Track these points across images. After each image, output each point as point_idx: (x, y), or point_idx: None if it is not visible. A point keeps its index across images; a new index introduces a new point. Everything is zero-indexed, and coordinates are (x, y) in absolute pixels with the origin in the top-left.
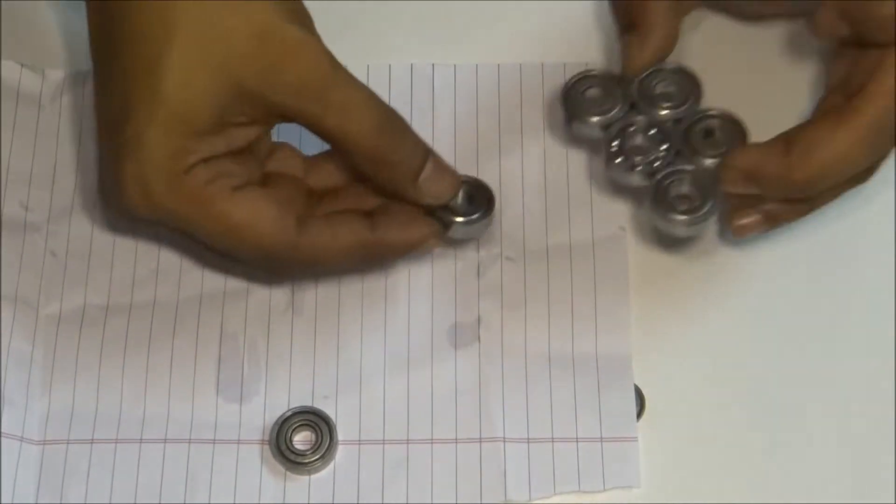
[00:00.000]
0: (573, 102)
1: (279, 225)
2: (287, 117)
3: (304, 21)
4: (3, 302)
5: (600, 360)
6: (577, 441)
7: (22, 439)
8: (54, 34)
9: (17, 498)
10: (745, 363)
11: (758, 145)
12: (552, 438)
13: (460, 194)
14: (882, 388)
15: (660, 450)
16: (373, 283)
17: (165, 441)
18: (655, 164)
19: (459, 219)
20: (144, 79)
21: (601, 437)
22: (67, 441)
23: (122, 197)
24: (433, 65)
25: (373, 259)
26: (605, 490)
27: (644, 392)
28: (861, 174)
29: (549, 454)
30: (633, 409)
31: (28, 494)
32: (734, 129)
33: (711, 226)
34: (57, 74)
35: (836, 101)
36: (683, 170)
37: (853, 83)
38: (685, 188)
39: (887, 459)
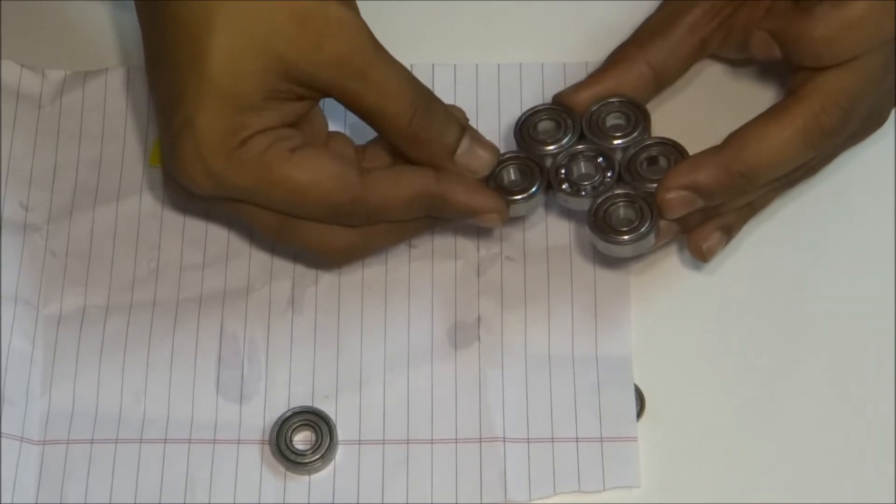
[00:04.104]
0: (526, 135)
1: (341, 179)
2: (329, 94)
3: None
4: (3, 302)
5: (600, 360)
6: (577, 441)
7: (22, 439)
8: (55, 34)
9: (17, 498)
10: (746, 363)
11: (686, 162)
12: (552, 438)
13: (512, 171)
14: (883, 388)
15: (660, 450)
16: (373, 283)
17: (165, 441)
18: (600, 189)
19: (518, 197)
20: (191, 64)
21: (601, 437)
22: (67, 441)
23: (185, 178)
24: (433, 65)
25: (434, 212)
26: (605, 490)
27: (644, 392)
28: (802, 174)
29: (549, 454)
30: (633, 409)
31: (28, 494)
32: (677, 156)
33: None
34: (57, 74)
35: (775, 104)
36: (623, 193)
37: (793, 86)
38: (624, 211)
39: (887, 459)
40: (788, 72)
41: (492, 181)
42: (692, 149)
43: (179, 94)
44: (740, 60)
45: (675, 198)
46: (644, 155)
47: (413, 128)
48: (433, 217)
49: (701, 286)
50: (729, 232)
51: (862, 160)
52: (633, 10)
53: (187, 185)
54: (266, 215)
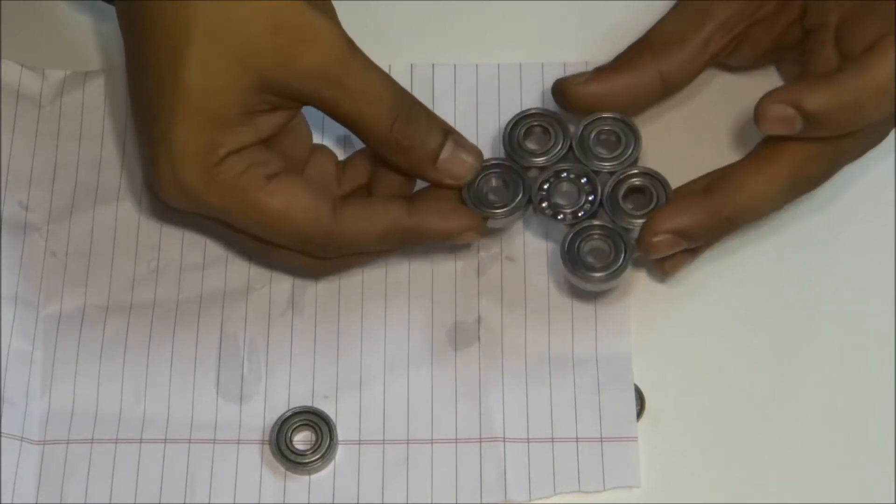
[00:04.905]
0: (514, 142)
1: (314, 213)
2: (307, 102)
3: (321, 6)
4: (3, 302)
5: (600, 360)
6: (577, 441)
7: (22, 439)
8: (54, 34)
9: (17, 498)
10: (746, 363)
11: (673, 206)
12: (552, 438)
13: (494, 179)
14: (882, 388)
15: (660, 450)
16: (373, 284)
17: (165, 441)
18: (579, 215)
19: (498, 211)
20: (167, 78)
21: (601, 437)
22: (67, 441)
23: (161, 191)
24: (433, 65)
25: (409, 244)
26: (605, 490)
27: (644, 392)
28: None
29: (549, 454)
30: (633, 409)
31: (28, 494)
32: (660, 189)
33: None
34: (57, 74)
35: (762, 147)
36: (600, 225)
37: None
38: (598, 243)
39: (887, 459)
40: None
41: (472, 189)
42: (682, 156)
43: (157, 106)
44: (735, 67)
45: (661, 241)
46: (626, 186)
47: (394, 134)
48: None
49: (701, 286)
50: (694, 253)
51: (863, 171)
52: (633, 11)
53: (163, 199)
54: (238, 236)
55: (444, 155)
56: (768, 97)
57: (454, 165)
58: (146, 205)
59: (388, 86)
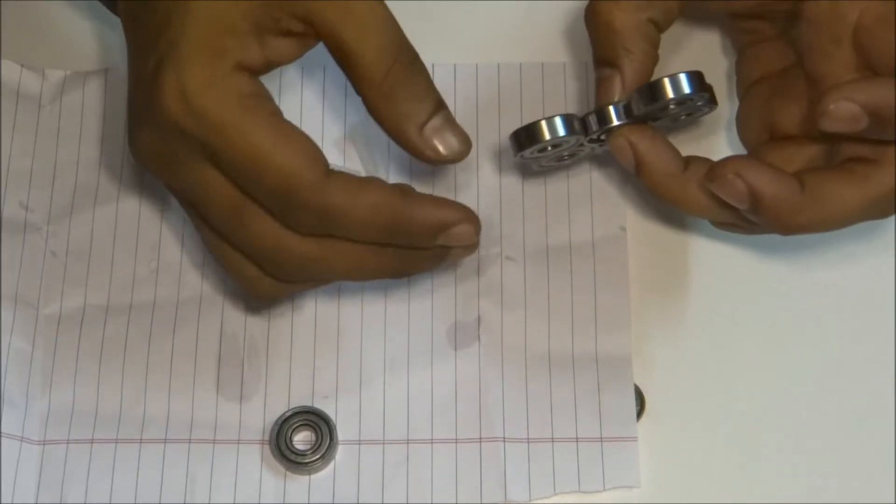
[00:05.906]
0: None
1: (310, 162)
2: (310, 24)
3: None
4: (3, 302)
5: (600, 360)
6: (577, 441)
7: (22, 439)
8: (54, 34)
9: (17, 498)
10: (746, 363)
11: (773, 169)
12: (552, 438)
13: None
14: (883, 388)
15: (660, 450)
16: (373, 283)
17: (165, 441)
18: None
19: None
20: None
21: (601, 437)
22: (67, 441)
23: (159, 104)
24: (433, 65)
25: (396, 235)
26: (605, 490)
27: (644, 392)
28: None
29: (549, 454)
30: (633, 409)
31: (28, 494)
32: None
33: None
34: (57, 74)
35: (856, 154)
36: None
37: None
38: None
39: (887, 459)
40: None
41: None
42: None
43: (167, 20)
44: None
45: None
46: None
47: (388, 81)
48: (396, 250)
49: (701, 286)
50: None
51: None
52: None
53: (160, 116)
54: (223, 189)
55: (432, 125)
56: (832, 93)
57: (439, 138)
58: (165, 197)
59: (394, 26)
